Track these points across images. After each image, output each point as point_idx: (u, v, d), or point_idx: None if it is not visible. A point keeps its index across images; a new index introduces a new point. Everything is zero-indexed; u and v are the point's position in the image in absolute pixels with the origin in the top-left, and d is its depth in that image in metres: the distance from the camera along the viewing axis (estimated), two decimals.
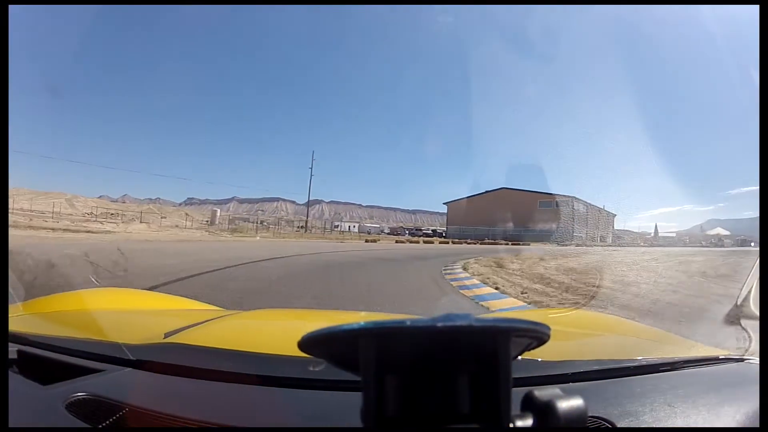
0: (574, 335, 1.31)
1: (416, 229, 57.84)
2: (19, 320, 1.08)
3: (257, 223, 40.46)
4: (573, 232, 46.33)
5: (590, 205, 52.32)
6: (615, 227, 60.86)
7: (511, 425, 0.42)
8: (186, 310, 1.63)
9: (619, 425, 0.65)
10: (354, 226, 55.86)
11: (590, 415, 0.52)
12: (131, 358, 0.82)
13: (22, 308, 1.20)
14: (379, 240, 33.37)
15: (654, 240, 61.11)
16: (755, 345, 1.04)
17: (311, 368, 0.72)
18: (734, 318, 1.34)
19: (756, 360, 0.96)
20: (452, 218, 55.71)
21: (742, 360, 0.97)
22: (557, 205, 47.13)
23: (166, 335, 0.95)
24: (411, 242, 34.57)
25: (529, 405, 0.44)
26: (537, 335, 0.44)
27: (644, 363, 0.90)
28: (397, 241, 33.81)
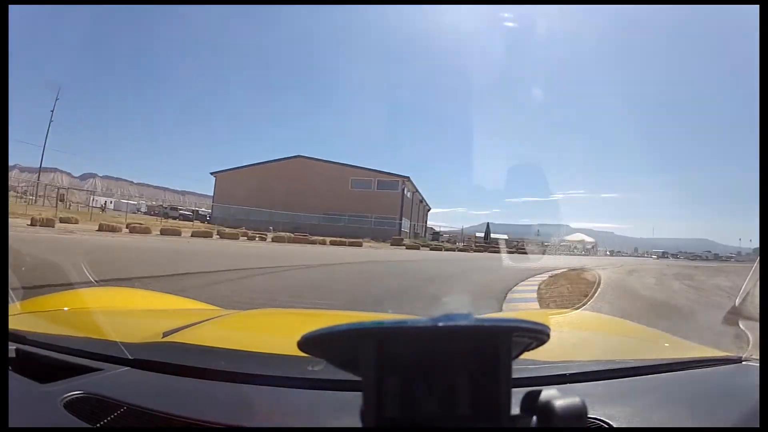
0: (573, 335, 1.31)
1: (171, 208, 43.26)
2: (17, 319, 1.08)
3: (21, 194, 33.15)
4: (401, 226, 34.67)
5: (416, 191, 39.89)
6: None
7: (511, 425, 0.42)
8: (185, 309, 1.63)
9: (617, 426, 0.65)
10: (110, 203, 43.77)
11: (589, 415, 0.52)
12: (129, 357, 0.81)
13: (19, 307, 1.20)
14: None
15: (486, 243, 42.94)
16: (754, 346, 1.04)
17: (311, 368, 0.72)
18: (733, 319, 1.34)
19: (755, 361, 0.97)
20: (222, 195, 37.09)
21: (740, 361, 0.97)
22: (380, 187, 35.50)
23: (165, 334, 0.95)
24: (137, 231, 16.79)
25: (529, 405, 0.44)
26: (537, 335, 0.44)
27: (643, 364, 0.90)
28: (101, 227, 15.84)
